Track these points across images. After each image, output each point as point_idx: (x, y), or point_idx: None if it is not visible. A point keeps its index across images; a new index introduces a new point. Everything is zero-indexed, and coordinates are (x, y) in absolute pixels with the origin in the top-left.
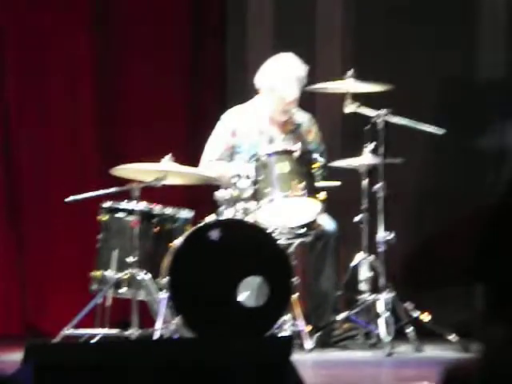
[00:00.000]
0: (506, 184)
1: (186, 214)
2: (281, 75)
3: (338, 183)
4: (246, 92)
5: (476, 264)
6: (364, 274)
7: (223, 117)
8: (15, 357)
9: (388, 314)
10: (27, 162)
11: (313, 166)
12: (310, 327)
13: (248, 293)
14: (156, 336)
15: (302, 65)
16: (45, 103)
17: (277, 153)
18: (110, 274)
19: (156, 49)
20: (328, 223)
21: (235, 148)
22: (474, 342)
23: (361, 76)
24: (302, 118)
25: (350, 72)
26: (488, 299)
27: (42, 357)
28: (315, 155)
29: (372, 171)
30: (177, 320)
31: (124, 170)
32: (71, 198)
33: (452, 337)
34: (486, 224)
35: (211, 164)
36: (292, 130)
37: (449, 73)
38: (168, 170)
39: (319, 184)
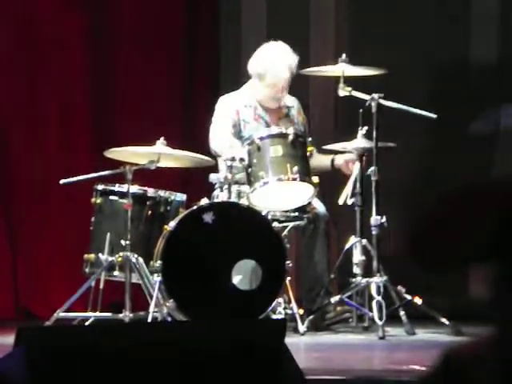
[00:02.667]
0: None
1: (179, 196)
2: (271, 62)
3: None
4: (240, 78)
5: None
6: (357, 257)
7: (222, 99)
8: (8, 340)
9: (380, 297)
10: (19, 144)
11: (307, 150)
12: (302, 310)
13: (242, 276)
14: (149, 319)
15: (292, 53)
16: (37, 88)
17: (270, 136)
18: (103, 256)
19: (150, 35)
20: (319, 206)
21: (238, 128)
22: (483, 323)
23: (354, 60)
24: (291, 101)
25: (343, 56)
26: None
27: (33, 340)
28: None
29: (365, 155)
30: (170, 303)
31: (117, 153)
32: (65, 180)
33: (444, 320)
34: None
35: (233, 141)
36: (286, 114)
37: (443, 58)
38: (161, 153)
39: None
